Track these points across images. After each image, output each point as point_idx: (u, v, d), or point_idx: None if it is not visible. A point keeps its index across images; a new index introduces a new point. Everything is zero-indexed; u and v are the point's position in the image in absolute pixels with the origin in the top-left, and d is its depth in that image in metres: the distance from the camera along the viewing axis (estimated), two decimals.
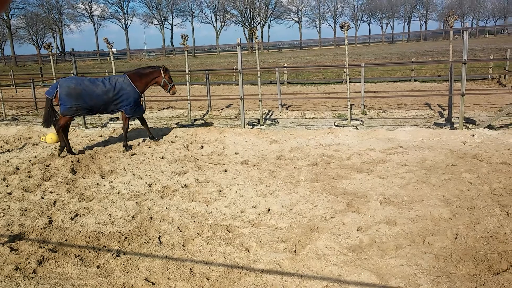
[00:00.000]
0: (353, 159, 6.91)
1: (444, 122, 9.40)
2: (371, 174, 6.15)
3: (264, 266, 3.79)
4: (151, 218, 4.97)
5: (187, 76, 11.49)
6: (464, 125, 8.55)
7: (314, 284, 3.47)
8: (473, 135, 7.71)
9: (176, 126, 10.62)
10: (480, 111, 10.83)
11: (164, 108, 14.11)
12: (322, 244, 4.10)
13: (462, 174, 5.86)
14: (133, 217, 5.02)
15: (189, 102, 11.19)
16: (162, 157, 7.63)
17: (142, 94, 8.66)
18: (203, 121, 11.23)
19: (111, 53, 12.07)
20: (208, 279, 3.63)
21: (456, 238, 4.09)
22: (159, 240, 4.41)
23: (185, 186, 6.09)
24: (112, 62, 11.71)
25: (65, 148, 8.06)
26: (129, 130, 8.82)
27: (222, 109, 13.46)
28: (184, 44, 10.90)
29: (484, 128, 8.25)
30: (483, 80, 18.13)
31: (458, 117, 8.64)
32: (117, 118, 12.19)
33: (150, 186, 6.11)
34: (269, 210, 5.10)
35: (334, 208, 4.99)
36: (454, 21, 8.94)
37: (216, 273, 3.72)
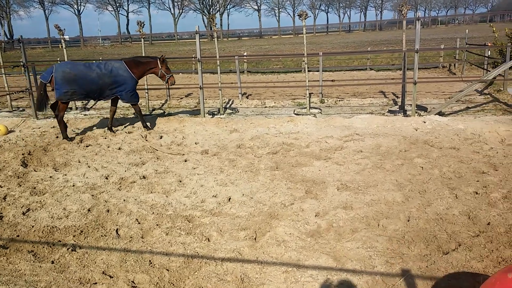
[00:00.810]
0: (311, 147, 7.04)
1: (398, 109, 9.74)
2: (329, 161, 6.29)
3: (224, 254, 3.81)
4: (108, 210, 4.85)
5: None
6: (416, 112, 8.89)
7: (274, 269, 3.54)
8: (425, 122, 8.04)
9: (133, 116, 10.37)
10: (432, 98, 11.29)
11: None
12: (281, 231, 4.17)
13: (414, 159, 6.11)
14: (89, 210, 4.88)
15: (146, 91, 10.94)
16: (119, 148, 7.44)
17: (137, 81, 8.60)
18: (161, 111, 11.03)
19: (63, 41, 11.56)
20: (168, 270, 3.61)
21: (408, 221, 4.28)
22: (117, 232, 4.32)
23: (144, 177, 5.99)
24: (64, 50, 11.22)
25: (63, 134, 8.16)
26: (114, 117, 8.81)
27: (181, 98, 13.27)
28: (140, 31, 10.61)
29: (435, 114, 8.63)
30: (435, 69, 18.88)
31: (411, 105, 8.97)
32: (70, 108, 11.73)
33: (106, 178, 5.95)
34: (229, 199, 5.11)
35: (293, 195, 5.07)
36: (407, 11, 9.23)
37: (176, 263, 3.71)
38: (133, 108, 8.75)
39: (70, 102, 8.58)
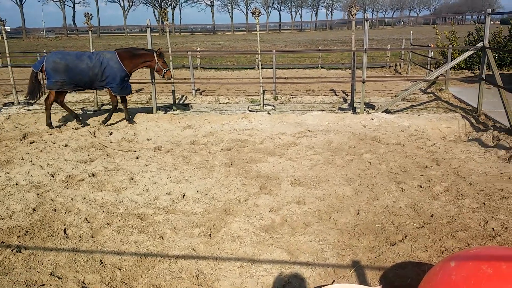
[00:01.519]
0: (266, 143, 7.11)
1: (347, 107, 10.05)
2: (282, 157, 6.39)
3: (179, 252, 3.77)
4: (54, 210, 4.64)
5: None
6: (364, 110, 9.22)
7: (229, 265, 3.55)
8: (373, 119, 8.36)
9: (81, 111, 9.96)
10: (379, 96, 11.75)
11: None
12: (236, 226, 4.18)
13: (363, 155, 6.34)
14: (34, 209, 4.64)
15: None
16: (66, 145, 7.13)
17: (130, 74, 8.39)
18: (111, 106, 10.67)
19: (3, 32, 10.87)
20: (120, 269, 3.52)
21: (358, 214, 4.44)
22: (65, 232, 4.15)
23: (93, 175, 5.78)
24: (5, 41, 10.57)
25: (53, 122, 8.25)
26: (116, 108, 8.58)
27: (133, 93, 12.90)
28: (88, 24, 10.19)
29: (382, 112, 8.99)
30: (382, 68, 19.66)
31: (360, 102, 9.30)
32: (12, 103, 11.07)
33: (52, 176, 5.69)
34: (183, 196, 5.06)
35: (248, 191, 5.11)
36: (356, 12, 9.53)
37: (128, 262, 3.62)
38: (111, 100, 8.51)
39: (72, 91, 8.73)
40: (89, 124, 8.49)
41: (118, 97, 8.42)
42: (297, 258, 3.63)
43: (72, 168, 5.98)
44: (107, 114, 8.62)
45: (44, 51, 23.02)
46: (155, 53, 8.33)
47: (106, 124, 8.36)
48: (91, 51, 8.55)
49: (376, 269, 3.45)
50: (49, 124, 8.25)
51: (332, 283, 3.24)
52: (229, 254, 3.73)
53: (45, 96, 8.45)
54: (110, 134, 7.84)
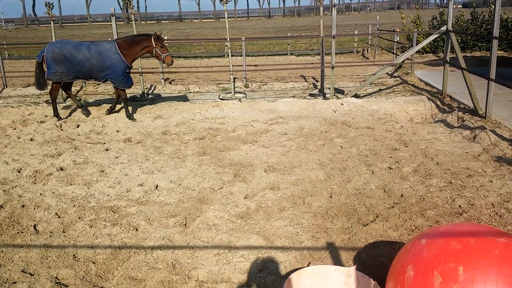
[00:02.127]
0: (238, 131, 7.10)
1: (318, 92, 10.14)
2: (255, 144, 6.40)
3: (154, 242, 3.74)
4: (23, 206, 4.50)
5: None
6: (334, 95, 9.33)
7: (205, 253, 3.55)
8: (342, 104, 8.48)
9: (45, 104, 9.63)
10: (348, 82, 11.92)
11: (29, 85, 12.63)
12: (212, 215, 4.18)
13: (334, 139, 6.44)
14: (1, 206, 4.49)
15: None
16: (31, 139, 6.89)
17: (131, 65, 7.89)
18: (77, 98, 10.36)
19: None
20: (94, 262, 3.46)
21: (331, 197, 4.53)
22: (35, 228, 4.04)
23: (61, 169, 5.63)
24: None
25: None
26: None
27: (99, 84, 12.55)
28: (49, 13, 9.81)
29: (351, 97, 9.13)
30: (349, 54, 19.90)
31: (330, 88, 9.40)
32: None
33: (19, 172, 5.50)
34: (157, 186, 5.00)
35: (222, 179, 5.10)
36: None
37: (102, 256, 3.56)
38: (120, 93, 8.06)
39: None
40: (90, 113, 8.24)
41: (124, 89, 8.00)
42: (273, 242, 3.67)
43: (39, 163, 5.80)
44: (125, 111, 8.14)
45: (4, 42, 22.03)
46: (152, 37, 7.75)
47: (131, 119, 8.00)
48: (91, 41, 8.05)
49: (350, 250, 3.53)
50: (57, 115, 8.06)
51: (308, 266, 3.30)
52: (205, 242, 3.73)
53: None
54: (78, 127, 7.63)
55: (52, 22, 10.12)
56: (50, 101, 8.18)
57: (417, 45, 10.38)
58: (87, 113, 8.24)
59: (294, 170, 5.30)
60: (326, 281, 2.83)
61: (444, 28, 8.77)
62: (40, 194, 4.80)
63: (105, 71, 7.68)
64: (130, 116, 8.02)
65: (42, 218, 4.23)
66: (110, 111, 8.28)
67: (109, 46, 7.68)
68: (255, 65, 14.89)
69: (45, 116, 8.28)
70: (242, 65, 12.57)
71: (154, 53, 7.85)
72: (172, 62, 7.88)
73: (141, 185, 5.05)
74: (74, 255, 3.57)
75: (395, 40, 15.54)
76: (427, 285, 2.03)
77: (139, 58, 9.68)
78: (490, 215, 3.97)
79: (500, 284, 1.91)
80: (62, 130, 7.41)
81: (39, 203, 4.56)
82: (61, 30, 50.91)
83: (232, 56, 10.44)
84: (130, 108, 8.26)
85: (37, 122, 7.89)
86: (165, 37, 7.99)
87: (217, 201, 4.50)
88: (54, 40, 10.11)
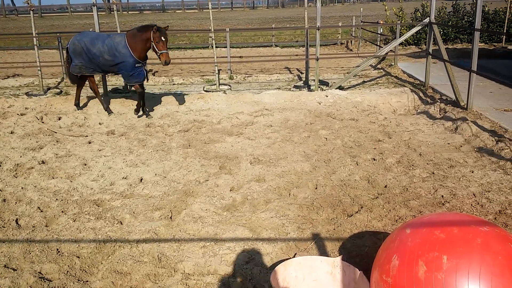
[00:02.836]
0: (223, 123, 7.07)
1: (302, 84, 10.15)
2: (240, 136, 6.39)
3: (139, 236, 3.72)
4: (4, 200, 4.41)
5: (34, 39, 10.17)
6: (319, 87, 9.36)
7: (191, 246, 3.54)
8: (327, 96, 8.52)
9: (25, 96, 9.42)
10: (332, 73, 11.96)
11: (8, 77, 12.33)
12: (197, 207, 4.17)
13: (319, 131, 6.47)
14: None
15: (39, 68, 9.97)
16: (11, 132, 6.74)
17: (141, 59, 7.22)
18: (58, 90, 10.17)
19: None
20: (78, 257, 3.42)
21: (316, 188, 4.55)
22: (17, 223, 3.97)
23: (43, 162, 5.52)
24: None
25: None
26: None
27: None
28: (28, 3, 9.55)
29: (336, 89, 9.17)
30: (334, 45, 19.94)
31: (314, 80, 9.42)
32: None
33: None
34: (141, 179, 4.96)
35: (207, 172, 5.08)
36: None
37: (87, 250, 3.52)
38: (135, 88, 7.52)
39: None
40: (112, 112, 7.85)
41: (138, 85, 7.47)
42: (259, 234, 3.69)
43: (20, 156, 5.68)
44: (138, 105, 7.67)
45: None
46: (152, 29, 6.95)
47: (145, 115, 7.62)
48: (109, 33, 7.58)
49: (335, 240, 3.57)
50: (77, 105, 8.00)
51: (294, 257, 3.32)
52: (191, 235, 3.72)
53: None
54: (59, 119, 7.49)
55: (31, 12, 9.86)
56: (57, 94, 7.96)
57: (400, 37, 10.45)
58: (109, 111, 7.81)
59: (280, 162, 5.31)
60: (312, 271, 2.85)
61: (427, 20, 8.86)
62: (22, 188, 4.71)
63: (116, 65, 7.27)
64: (146, 112, 7.63)
65: (24, 212, 4.16)
66: (138, 109, 7.63)
67: (119, 40, 7.18)
68: (240, 57, 14.82)
69: (25, 108, 8.10)
70: (226, 57, 12.49)
71: (152, 48, 7.11)
72: (169, 62, 7.05)
73: (125, 178, 5.00)
74: (57, 249, 3.53)
75: (379, 32, 15.63)
76: (412, 274, 2.07)
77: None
78: (471, 204, 4.05)
79: (483, 272, 1.96)
80: (43, 122, 7.27)
81: (20, 197, 4.48)
82: (40, 20, 49.72)
83: (216, 47, 10.36)
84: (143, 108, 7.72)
85: (17, 114, 7.72)
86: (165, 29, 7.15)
87: (203, 194, 4.49)
88: (33, 31, 9.88)
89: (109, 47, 7.15)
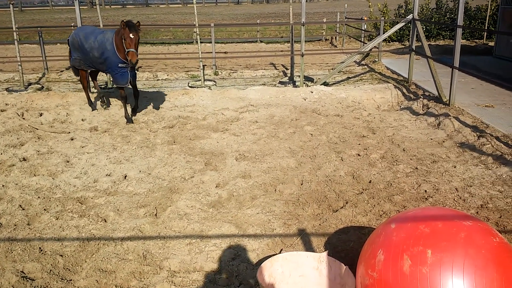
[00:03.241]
0: (208, 119, 7.03)
1: (288, 80, 10.16)
2: (226, 132, 6.36)
3: (124, 233, 3.68)
4: None
5: (14, 34, 9.93)
6: (304, 83, 9.37)
7: (177, 243, 3.52)
8: (312, 92, 8.54)
9: (5, 92, 9.21)
10: (317, 69, 11.99)
11: None
12: (183, 204, 4.14)
13: (304, 127, 6.49)
14: None
15: (19, 63, 9.75)
16: None
17: (125, 59, 6.57)
18: (39, 85, 9.96)
19: None
20: (61, 255, 3.37)
21: (302, 184, 4.57)
22: None
23: (24, 159, 5.41)
24: None
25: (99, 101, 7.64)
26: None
27: (62, 71, 12.11)
28: None
29: (321, 85, 9.20)
30: (318, 41, 20.00)
31: (299, 76, 9.43)
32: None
33: None
34: (125, 176, 4.90)
35: (193, 168, 5.05)
36: None
37: (70, 248, 3.47)
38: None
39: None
40: (110, 105, 7.73)
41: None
42: (245, 231, 3.68)
43: (0, 153, 5.56)
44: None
45: None
46: (121, 25, 6.40)
47: (129, 121, 6.99)
48: (103, 29, 7.26)
49: (320, 236, 3.59)
50: (90, 105, 7.68)
51: (280, 252, 3.33)
52: (176, 232, 3.70)
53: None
54: (41, 116, 7.34)
55: (11, 5, 9.62)
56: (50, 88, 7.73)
57: (384, 33, 10.54)
58: (107, 105, 7.70)
59: (265, 158, 5.31)
60: (298, 267, 2.86)
61: (410, 17, 8.94)
62: (3, 186, 4.62)
63: (104, 63, 6.83)
64: (129, 119, 6.99)
65: (5, 210, 4.07)
66: (127, 117, 7.09)
67: (108, 36, 6.72)
68: (225, 52, 14.75)
69: (6, 104, 7.92)
70: (211, 52, 12.40)
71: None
72: (135, 62, 6.39)
73: (109, 175, 4.94)
74: (40, 248, 3.46)
75: (363, 29, 15.73)
76: (397, 268, 2.09)
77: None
78: (454, 199, 4.12)
79: (467, 266, 1.99)
80: (24, 119, 7.12)
81: (1, 195, 4.39)
82: (21, 14, 48.63)
83: (201, 43, 10.28)
84: (128, 109, 7.25)
85: None
86: (137, 24, 6.55)
87: (188, 190, 4.46)
88: (13, 25, 9.65)
89: (99, 43, 6.75)
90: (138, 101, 7.33)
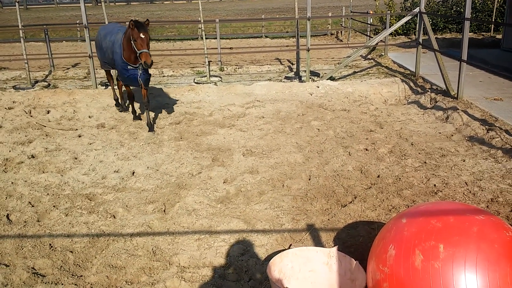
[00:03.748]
0: (215, 115, 7.03)
1: (293, 75, 10.12)
2: (232, 128, 6.36)
3: (133, 229, 3.69)
4: None
5: (20, 32, 9.98)
6: (310, 78, 9.33)
7: (186, 239, 3.53)
8: (318, 87, 8.50)
9: (12, 89, 9.26)
10: (323, 64, 11.94)
11: None
12: (191, 200, 4.15)
13: (311, 122, 6.46)
14: None
15: (26, 61, 9.79)
16: (0, 126, 6.63)
17: (130, 62, 6.12)
18: (46, 83, 10.01)
19: None
20: (72, 251, 3.39)
21: (309, 179, 4.56)
22: (8, 218, 3.91)
23: (33, 156, 5.45)
24: None
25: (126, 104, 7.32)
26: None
27: (68, 68, 12.16)
28: None
29: (327, 79, 9.15)
30: (324, 36, 19.90)
31: (305, 71, 9.39)
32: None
33: None
34: (133, 173, 4.92)
35: (200, 164, 5.05)
36: None
37: (80, 244, 3.49)
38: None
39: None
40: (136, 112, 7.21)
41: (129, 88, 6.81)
42: (254, 226, 3.68)
43: (9, 151, 5.59)
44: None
45: None
46: (129, 25, 5.88)
47: (136, 119, 6.88)
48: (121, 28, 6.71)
49: (329, 231, 3.58)
50: (116, 103, 7.52)
51: (289, 248, 3.32)
52: (185, 228, 3.70)
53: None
54: (48, 113, 7.38)
55: (17, 3, 9.66)
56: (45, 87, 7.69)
57: (390, 27, 10.45)
58: (122, 109, 7.36)
59: (273, 153, 5.30)
60: (308, 262, 2.86)
61: (417, 10, 8.85)
62: (12, 183, 4.65)
63: (114, 64, 6.45)
64: (135, 116, 6.87)
65: (15, 207, 4.10)
66: (133, 113, 6.97)
67: (119, 37, 6.30)
68: (230, 48, 14.73)
69: (13, 102, 7.96)
70: (216, 48, 12.39)
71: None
72: (150, 63, 5.83)
73: (117, 172, 4.95)
74: (50, 244, 3.49)
75: (369, 23, 15.62)
76: (409, 263, 2.08)
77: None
78: (464, 193, 4.09)
79: (479, 261, 1.97)
80: (31, 116, 7.15)
81: (11, 192, 4.42)
82: (26, 12, 48.83)
83: (206, 38, 10.26)
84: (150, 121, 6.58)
85: (5, 108, 7.58)
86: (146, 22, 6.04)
87: (196, 186, 4.47)
88: (19, 23, 9.68)
89: (112, 43, 6.37)
90: (149, 111, 6.54)
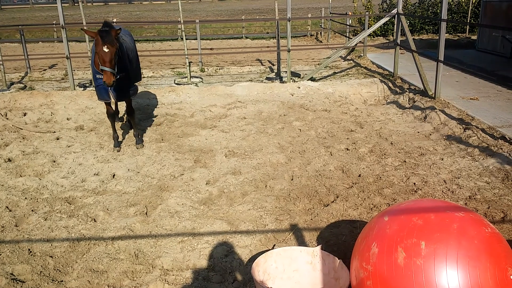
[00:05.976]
0: (196, 116, 6.99)
1: (275, 76, 10.15)
2: (214, 129, 6.33)
3: (114, 233, 3.63)
4: None
5: None
6: (291, 79, 9.38)
7: (169, 241, 3.49)
8: (299, 87, 8.55)
9: None
10: (303, 65, 12.01)
11: None
12: (173, 202, 4.11)
13: (293, 123, 6.49)
14: None
15: (1, 63, 9.54)
16: None
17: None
18: (22, 85, 9.77)
19: None
20: (51, 256, 3.31)
21: (292, 179, 4.58)
22: None
23: (9, 160, 5.31)
24: None
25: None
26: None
27: (45, 70, 11.89)
28: None
29: (308, 80, 9.21)
30: (304, 37, 20.02)
31: (286, 71, 9.43)
32: None
33: None
34: (114, 175, 4.84)
35: (182, 166, 5.02)
36: None
37: (60, 249, 3.42)
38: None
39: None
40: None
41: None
42: (237, 227, 3.67)
43: None
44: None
45: None
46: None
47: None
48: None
49: (312, 230, 3.60)
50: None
51: (273, 248, 3.33)
52: (168, 230, 3.67)
53: None
54: (25, 115, 7.20)
55: None
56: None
57: (369, 28, 10.59)
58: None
59: (255, 154, 5.30)
60: (292, 262, 2.87)
61: (394, 11, 9.00)
62: None
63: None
64: (116, 144, 5.70)
65: None
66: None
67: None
68: (211, 49, 14.68)
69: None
70: (197, 49, 12.32)
71: None
72: (109, 84, 4.81)
73: (97, 175, 4.87)
74: (29, 249, 3.40)
75: (348, 24, 15.80)
76: (392, 260, 2.11)
77: (87, 42, 8.99)
78: (442, 191, 4.18)
79: (460, 257, 2.02)
80: (7, 119, 6.97)
81: None
82: (0, 13, 47.55)
83: (186, 39, 10.20)
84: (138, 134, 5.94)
85: None
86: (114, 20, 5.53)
87: (178, 188, 4.43)
88: None
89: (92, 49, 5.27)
90: (134, 122, 5.84)
